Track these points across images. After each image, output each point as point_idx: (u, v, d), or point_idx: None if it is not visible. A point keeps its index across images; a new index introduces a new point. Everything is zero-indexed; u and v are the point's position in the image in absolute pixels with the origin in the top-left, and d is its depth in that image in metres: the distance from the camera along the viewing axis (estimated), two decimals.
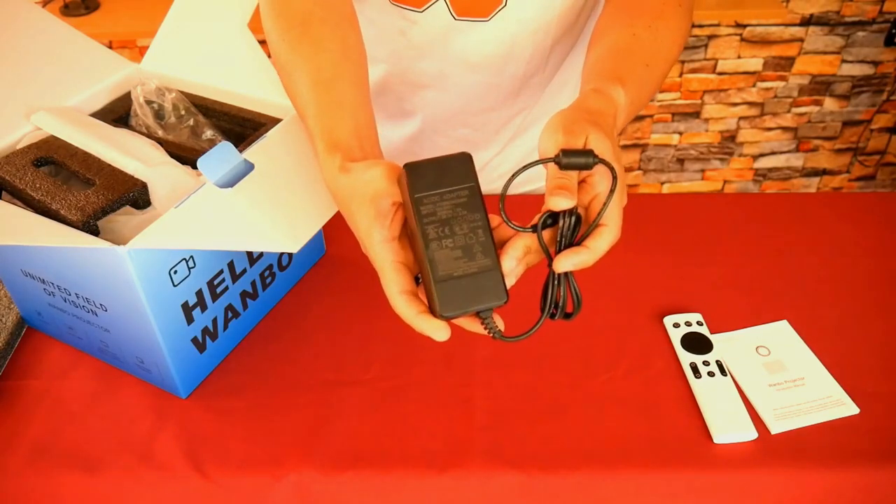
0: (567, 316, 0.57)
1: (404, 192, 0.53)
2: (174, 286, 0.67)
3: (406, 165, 0.52)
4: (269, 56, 0.73)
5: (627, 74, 0.67)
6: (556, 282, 0.55)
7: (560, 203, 0.52)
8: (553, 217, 0.54)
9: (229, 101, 0.80)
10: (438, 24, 0.83)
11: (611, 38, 0.73)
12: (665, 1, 0.75)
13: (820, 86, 2.24)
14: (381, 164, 0.56)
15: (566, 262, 0.54)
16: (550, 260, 0.55)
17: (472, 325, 0.56)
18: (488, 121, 0.97)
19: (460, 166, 0.53)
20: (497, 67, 0.88)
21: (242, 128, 0.78)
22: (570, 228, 0.54)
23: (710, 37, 2.13)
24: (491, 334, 0.54)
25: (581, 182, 0.56)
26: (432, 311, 0.53)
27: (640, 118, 2.28)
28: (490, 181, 1.04)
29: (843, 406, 0.70)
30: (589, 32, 0.81)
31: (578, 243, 0.54)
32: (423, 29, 0.84)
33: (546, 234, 0.54)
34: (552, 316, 0.57)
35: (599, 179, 0.55)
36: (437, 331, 0.53)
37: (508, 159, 1.03)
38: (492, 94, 0.92)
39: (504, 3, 0.80)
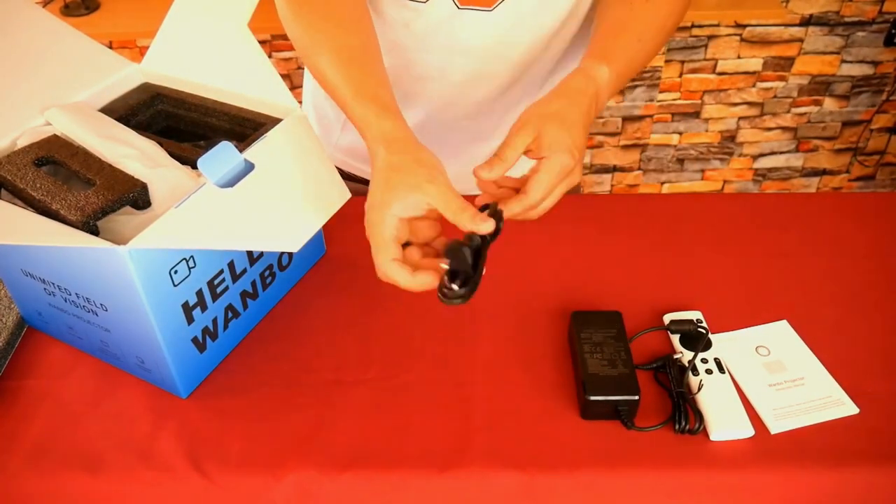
0: (692, 431, 0.68)
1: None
2: (174, 286, 0.67)
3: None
4: (269, 50, 0.74)
5: (616, 52, 0.76)
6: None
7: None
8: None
9: (229, 101, 0.80)
10: (442, 14, 0.84)
11: (609, 13, 0.79)
12: None
13: (819, 86, 2.24)
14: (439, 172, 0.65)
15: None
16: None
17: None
18: (491, 110, 0.97)
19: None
20: (496, 56, 0.89)
21: (242, 128, 0.79)
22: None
23: (710, 37, 2.13)
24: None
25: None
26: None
27: (639, 118, 2.28)
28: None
29: (842, 406, 0.71)
30: (590, 19, 0.85)
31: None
32: (427, 19, 0.85)
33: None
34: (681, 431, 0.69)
35: (546, 166, 0.68)
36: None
37: None
38: (493, 83, 0.93)
39: None
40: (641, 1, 0.78)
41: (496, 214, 0.64)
